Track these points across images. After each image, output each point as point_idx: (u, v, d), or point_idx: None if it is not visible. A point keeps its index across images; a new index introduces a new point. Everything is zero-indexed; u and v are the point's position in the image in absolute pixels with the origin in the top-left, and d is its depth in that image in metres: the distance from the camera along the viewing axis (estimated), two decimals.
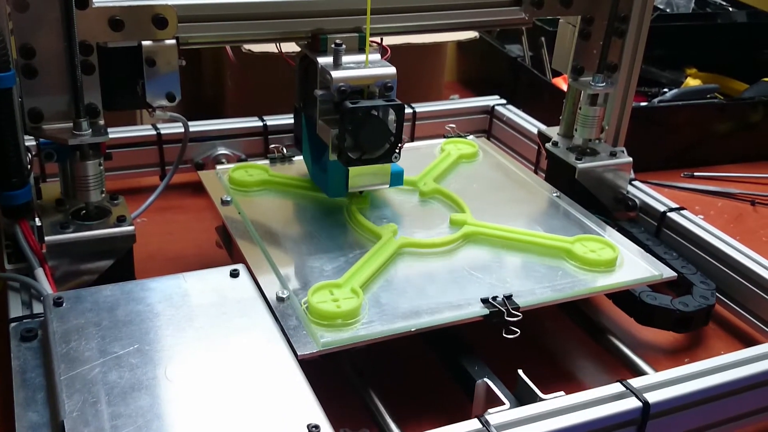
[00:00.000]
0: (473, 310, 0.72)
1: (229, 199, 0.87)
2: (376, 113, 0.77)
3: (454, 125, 1.11)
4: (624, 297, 0.83)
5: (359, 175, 0.82)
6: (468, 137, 1.07)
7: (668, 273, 0.80)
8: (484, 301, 0.72)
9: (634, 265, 0.81)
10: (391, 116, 0.78)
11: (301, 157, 0.94)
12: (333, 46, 0.79)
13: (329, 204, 0.88)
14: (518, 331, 0.71)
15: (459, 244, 0.82)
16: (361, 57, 0.80)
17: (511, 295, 0.73)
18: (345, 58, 0.79)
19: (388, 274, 0.76)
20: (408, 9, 0.87)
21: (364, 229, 0.83)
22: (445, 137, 1.07)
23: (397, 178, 0.86)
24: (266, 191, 0.91)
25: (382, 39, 0.86)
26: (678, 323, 0.82)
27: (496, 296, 0.73)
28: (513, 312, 0.71)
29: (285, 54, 0.88)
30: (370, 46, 0.81)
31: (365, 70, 0.79)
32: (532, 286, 0.76)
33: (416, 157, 1.01)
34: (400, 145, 0.80)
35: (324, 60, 0.79)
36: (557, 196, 0.94)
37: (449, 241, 0.82)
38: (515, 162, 1.03)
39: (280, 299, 0.71)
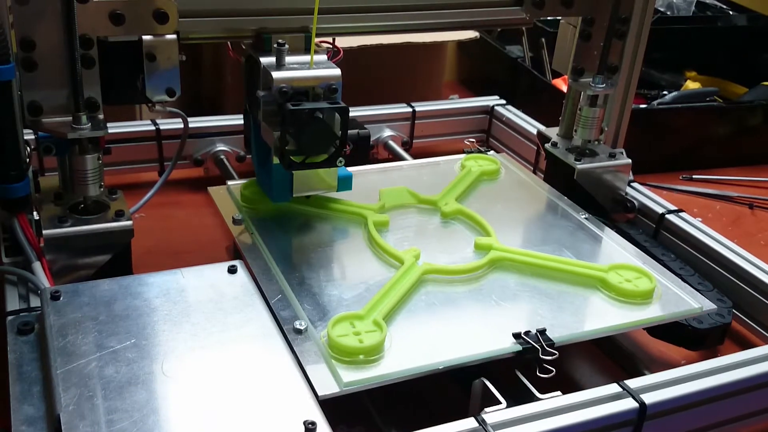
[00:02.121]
0: (505, 346, 0.67)
1: (240, 217, 0.84)
2: (320, 116, 0.74)
3: (474, 140, 1.08)
4: (665, 326, 0.77)
5: (304, 180, 0.80)
6: (489, 152, 1.04)
7: (708, 305, 0.76)
8: (516, 336, 0.68)
9: (672, 297, 0.76)
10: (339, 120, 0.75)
11: None
12: (276, 45, 0.77)
13: (347, 224, 0.85)
14: (554, 370, 0.66)
15: (485, 271, 0.78)
16: (306, 58, 0.77)
17: (545, 330, 0.69)
18: (289, 59, 0.76)
19: (411, 304, 0.72)
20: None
21: (384, 252, 0.79)
22: (464, 152, 1.04)
23: (344, 183, 0.83)
24: (280, 210, 0.86)
25: (334, 39, 0.84)
26: (722, 336, 0.81)
27: (529, 331, 0.68)
28: (548, 349, 0.67)
29: (235, 52, 0.85)
30: (319, 46, 0.78)
31: (308, 71, 0.76)
32: (566, 319, 0.71)
33: (435, 173, 0.98)
34: (345, 149, 0.76)
35: (267, 60, 0.77)
36: (585, 218, 0.90)
37: (475, 268, 0.78)
38: (538, 180, 1.00)
39: (297, 331, 0.67)
